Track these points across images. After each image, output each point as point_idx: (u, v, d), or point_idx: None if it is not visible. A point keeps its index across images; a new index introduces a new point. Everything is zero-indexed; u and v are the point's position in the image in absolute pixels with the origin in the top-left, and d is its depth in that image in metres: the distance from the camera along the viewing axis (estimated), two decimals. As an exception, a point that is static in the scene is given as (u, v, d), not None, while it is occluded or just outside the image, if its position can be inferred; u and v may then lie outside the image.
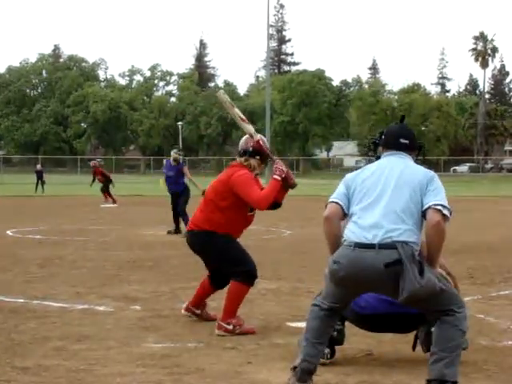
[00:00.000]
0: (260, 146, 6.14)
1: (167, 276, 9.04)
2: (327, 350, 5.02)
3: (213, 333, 5.99)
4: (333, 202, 4.45)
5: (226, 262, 6.12)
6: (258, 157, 6.15)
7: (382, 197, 4.33)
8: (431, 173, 4.42)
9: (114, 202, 25.13)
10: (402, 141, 4.52)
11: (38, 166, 37.34)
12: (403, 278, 4.12)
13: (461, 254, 11.31)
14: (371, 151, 4.74)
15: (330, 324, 4.50)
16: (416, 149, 4.64)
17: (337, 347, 5.14)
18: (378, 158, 4.67)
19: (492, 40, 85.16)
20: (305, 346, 4.41)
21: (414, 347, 5.18)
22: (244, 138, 6.29)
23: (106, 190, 25.89)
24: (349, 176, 4.56)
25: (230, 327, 5.93)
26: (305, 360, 4.37)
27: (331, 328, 4.56)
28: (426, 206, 4.25)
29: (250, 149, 6.13)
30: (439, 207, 4.21)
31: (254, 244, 12.43)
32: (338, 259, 4.29)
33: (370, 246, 4.19)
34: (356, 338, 5.52)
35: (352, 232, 4.31)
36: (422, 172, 4.40)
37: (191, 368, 4.96)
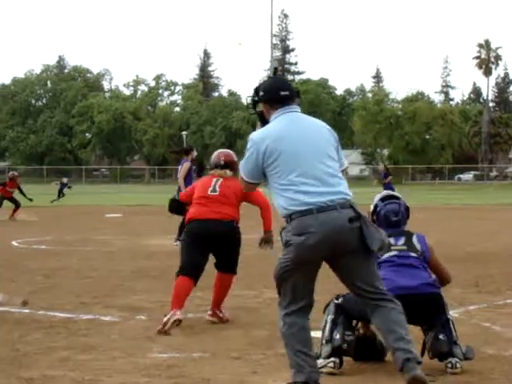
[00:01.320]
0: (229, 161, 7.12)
1: (172, 285, 9.00)
2: (337, 360, 5.02)
3: (218, 343, 5.98)
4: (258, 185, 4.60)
5: (237, 255, 6.96)
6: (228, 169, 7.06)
7: (316, 160, 4.36)
8: (329, 127, 4.61)
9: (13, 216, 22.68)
10: (283, 93, 4.51)
11: (65, 180, 38.39)
12: (368, 231, 4.28)
13: (466, 262, 11.28)
14: (251, 109, 4.71)
15: (308, 324, 4.43)
16: (296, 96, 4.64)
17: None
18: (260, 114, 4.60)
19: (497, 48, 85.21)
20: (304, 359, 4.32)
21: (422, 354, 5.17)
22: (215, 152, 7.26)
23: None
24: (264, 148, 4.37)
25: (221, 315, 6.86)
26: (312, 372, 4.32)
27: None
28: (343, 167, 4.54)
29: (222, 162, 7.06)
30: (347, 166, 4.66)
31: (258, 252, 12.38)
32: (305, 229, 4.24)
33: (332, 208, 4.26)
34: (362, 348, 5.49)
35: (301, 201, 4.27)
36: (327, 128, 4.57)
37: (197, 378, 4.95)
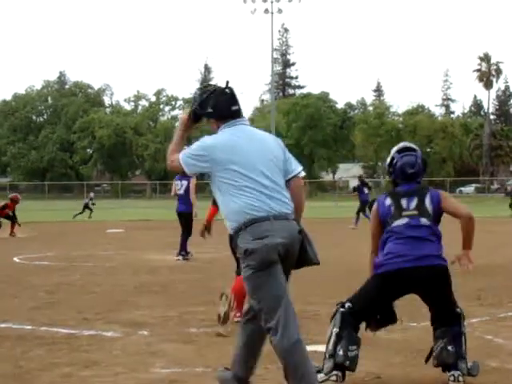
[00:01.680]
0: None
1: (175, 300, 9.02)
2: (340, 373, 5.00)
3: (221, 357, 5.97)
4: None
5: None
6: None
7: (266, 172, 4.41)
8: (277, 138, 4.72)
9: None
10: (234, 108, 4.57)
11: (92, 194, 38.88)
12: (310, 244, 4.46)
13: (467, 275, 11.24)
14: (194, 123, 4.78)
15: (302, 342, 4.43)
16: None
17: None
18: (197, 119, 4.72)
19: (498, 63, 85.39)
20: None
21: (427, 359, 5.17)
22: None
23: None
24: (213, 157, 4.42)
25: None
26: None
27: None
28: (294, 173, 4.57)
29: None
30: (302, 173, 4.64)
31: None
32: (264, 233, 4.29)
33: (284, 218, 4.37)
34: (365, 362, 5.47)
35: (257, 207, 4.32)
36: (275, 140, 4.64)
37: (200, 393, 4.94)
